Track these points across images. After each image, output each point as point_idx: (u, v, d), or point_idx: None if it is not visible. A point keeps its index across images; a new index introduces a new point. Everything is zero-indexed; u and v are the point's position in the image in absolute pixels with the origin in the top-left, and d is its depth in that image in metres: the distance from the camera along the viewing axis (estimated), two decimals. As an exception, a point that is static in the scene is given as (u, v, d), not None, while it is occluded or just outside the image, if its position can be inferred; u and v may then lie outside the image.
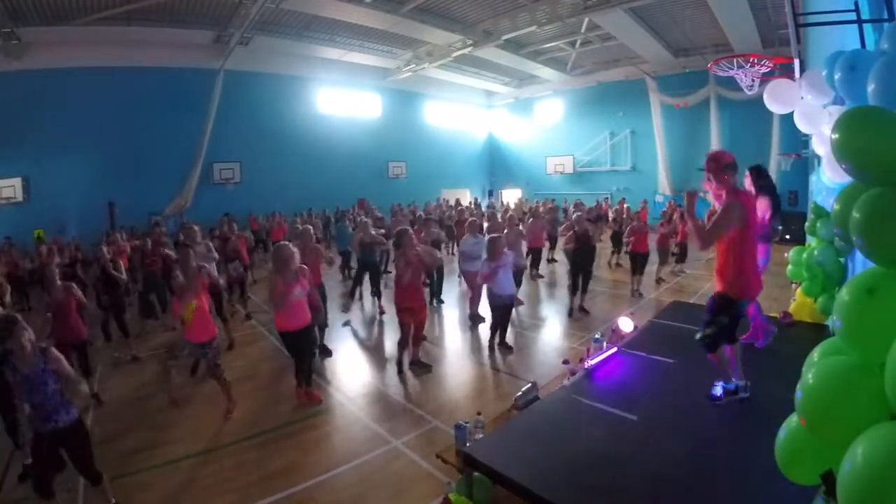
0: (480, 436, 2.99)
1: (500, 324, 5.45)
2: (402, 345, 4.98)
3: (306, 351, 4.35)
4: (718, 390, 3.13)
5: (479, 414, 3.20)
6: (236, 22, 12.22)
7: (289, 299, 4.01)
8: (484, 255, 5.45)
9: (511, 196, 21.88)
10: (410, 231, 5.18)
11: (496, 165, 23.95)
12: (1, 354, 2.56)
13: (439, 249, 7.96)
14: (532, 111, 22.09)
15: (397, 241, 4.91)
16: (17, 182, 12.11)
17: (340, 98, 18.05)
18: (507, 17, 13.15)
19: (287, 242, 4.37)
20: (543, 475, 2.59)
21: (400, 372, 4.93)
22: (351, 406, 4.36)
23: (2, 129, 11.43)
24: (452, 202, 17.16)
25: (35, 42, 11.32)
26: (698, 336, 3.03)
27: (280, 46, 14.41)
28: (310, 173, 16.66)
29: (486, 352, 5.50)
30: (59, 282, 4.50)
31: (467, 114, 22.87)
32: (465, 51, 14.55)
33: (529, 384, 3.58)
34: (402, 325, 4.92)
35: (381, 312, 7.14)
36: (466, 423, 3.02)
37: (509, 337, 5.66)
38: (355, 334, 6.50)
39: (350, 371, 5.23)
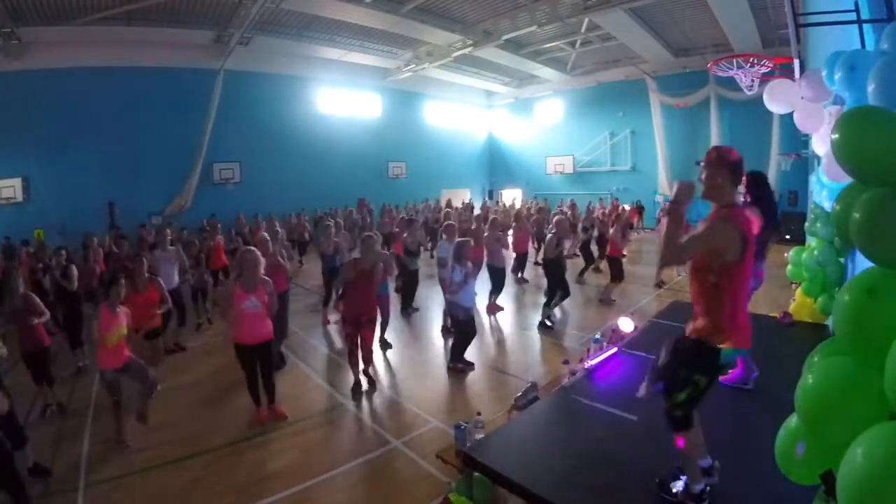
0: (480, 436, 2.99)
1: (466, 341, 5.02)
2: (351, 360, 4.58)
3: (257, 368, 3.99)
4: (680, 485, 2.30)
5: (479, 414, 3.21)
6: (236, 22, 12.20)
7: (238, 309, 3.81)
8: (450, 262, 5.02)
9: (511, 196, 21.84)
10: (373, 237, 4.82)
11: (496, 165, 23.92)
12: None
13: (419, 255, 7.53)
14: (532, 111, 22.05)
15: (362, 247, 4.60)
16: (17, 182, 12.05)
17: (340, 98, 18.00)
18: (507, 17, 13.12)
19: (253, 248, 4.17)
20: (543, 475, 2.60)
21: (356, 392, 4.54)
22: (351, 406, 4.36)
23: (2, 129, 11.39)
24: (447, 204, 16.29)
25: (35, 42, 11.29)
26: (668, 407, 2.15)
27: (280, 46, 14.38)
28: (310, 173, 16.61)
29: (485, 352, 5.49)
30: (20, 290, 4.42)
31: (467, 114, 22.83)
32: (465, 51, 14.52)
33: (529, 384, 3.59)
34: (346, 338, 4.64)
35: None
36: (466, 423, 3.03)
37: (510, 337, 5.64)
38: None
39: (349, 371, 5.20)
